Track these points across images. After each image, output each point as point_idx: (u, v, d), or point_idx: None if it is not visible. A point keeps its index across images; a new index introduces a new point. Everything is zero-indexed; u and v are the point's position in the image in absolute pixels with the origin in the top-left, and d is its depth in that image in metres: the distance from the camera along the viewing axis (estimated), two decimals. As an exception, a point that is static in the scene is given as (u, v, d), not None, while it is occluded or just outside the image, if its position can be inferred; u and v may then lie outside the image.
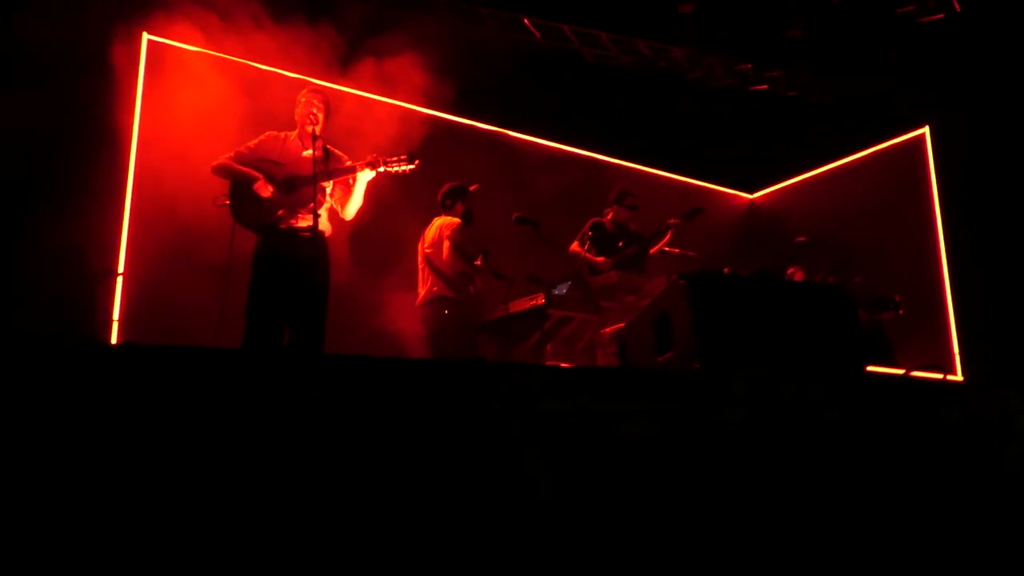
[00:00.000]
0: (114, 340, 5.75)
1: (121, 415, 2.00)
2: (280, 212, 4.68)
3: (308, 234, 4.62)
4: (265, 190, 4.67)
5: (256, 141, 4.86)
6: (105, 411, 1.99)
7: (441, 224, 5.98)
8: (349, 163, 4.87)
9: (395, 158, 4.77)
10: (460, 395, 2.29)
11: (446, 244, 5.83)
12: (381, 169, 4.76)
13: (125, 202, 6.10)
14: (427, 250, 5.94)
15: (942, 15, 7.58)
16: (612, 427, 2.35)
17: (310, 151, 4.76)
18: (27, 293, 5.25)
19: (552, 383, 2.46)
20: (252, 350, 4.40)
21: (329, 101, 4.98)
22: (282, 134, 4.92)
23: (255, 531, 1.91)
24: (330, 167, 4.82)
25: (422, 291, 5.93)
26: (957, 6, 7.50)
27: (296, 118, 4.92)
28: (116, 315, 5.85)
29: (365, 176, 4.80)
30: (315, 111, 4.80)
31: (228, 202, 4.75)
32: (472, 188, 6.12)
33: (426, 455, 2.13)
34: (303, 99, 4.91)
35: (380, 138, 5.95)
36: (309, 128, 4.77)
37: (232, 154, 4.78)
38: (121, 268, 5.96)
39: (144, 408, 2.03)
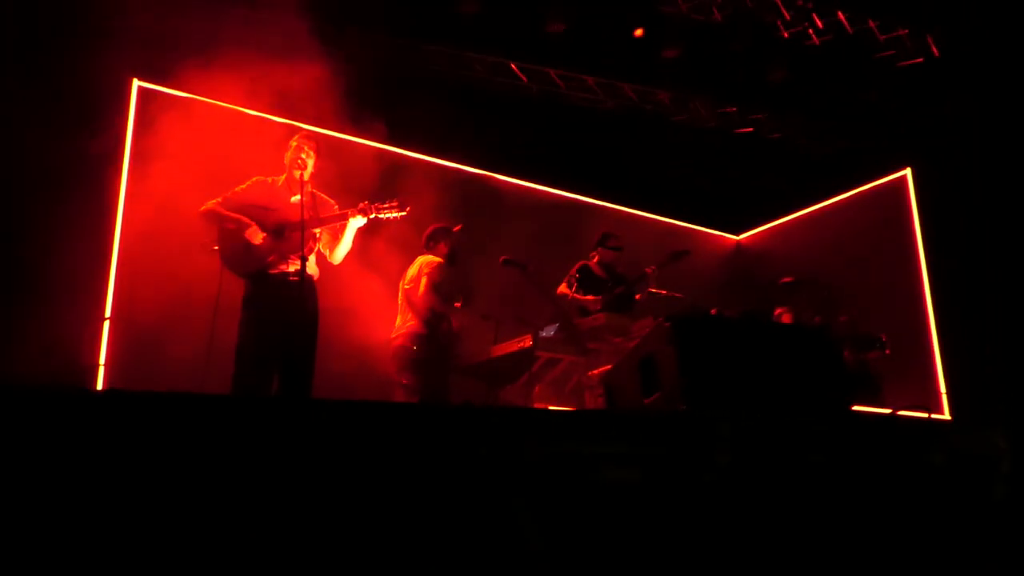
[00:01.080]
0: (100, 385, 5.71)
1: (105, 462, 1.99)
2: (270, 258, 4.69)
3: (296, 279, 4.64)
4: (256, 237, 4.68)
5: (244, 186, 4.86)
6: (89, 457, 1.98)
7: (422, 262, 6.00)
8: (337, 210, 4.90)
9: (386, 205, 4.79)
10: (447, 440, 2.29)
11: (423, 281, 5.84)
12: (372, 216, 4.78)
13: (113, 247, 6.10)
14: (406, 286, 5.97)
15: (921, 59, 7.73)
16: (599, 470, 2.35)
17: (299, 196, 4.77)
18: (13, 337, 5.22)
19: (539, 426, 2.46)
20: (240, 396, 4.38)
21: (319, 147, 5.02)
22: (269, 179, 4.93)
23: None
24: (319, 212, 4.83)
25: (396, 325, 5.94)
26: (936, 51, 7.65)
27: (285, 163, 4.94)
28: (103, 360, 5.82)
29: (356, 223, 4.81)
30: (303, 156, 4.82)
31: (217, 248, 4.75)
32: (456, 229, 6.15)
33: (414, 500, 2.12)
34: (293, 144, 4.93)
35: (369, 183, 5.99)
36: (296, 173, 4.79)
37: (220, 199, 4.79)
38: (108, 313, 5.94)
39: (129, 454, 2.02)
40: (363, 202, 4.79)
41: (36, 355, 5.15)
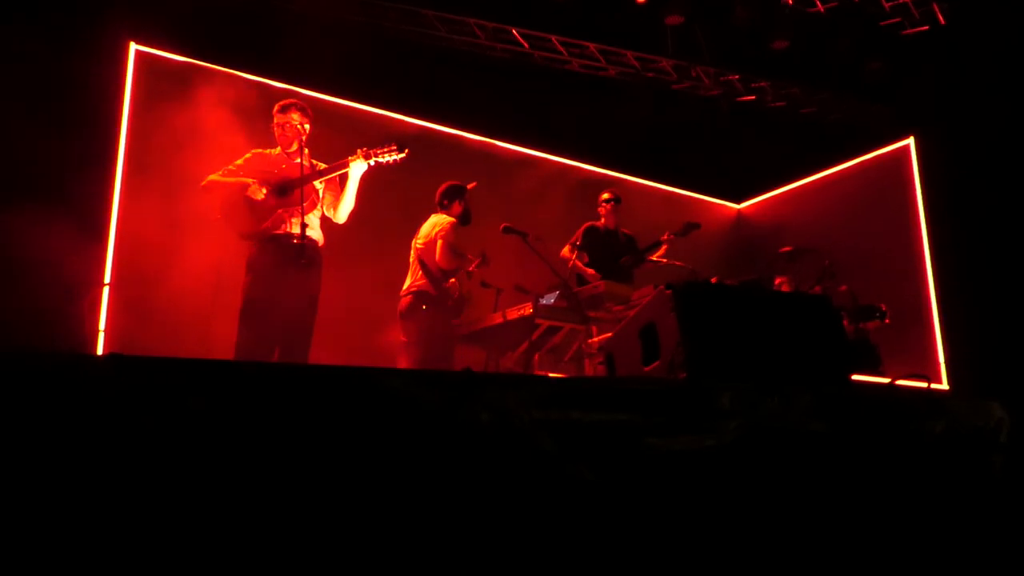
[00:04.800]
0: (100, 351, 5.72)
1: (106, 428, 1.99)
2: (272, 218, 4.69)
3: (299, 241, 4.64)
4: (259, 193, 4.67)
5: (241, 161, 4.87)
6: (90, 423, 1.98)
7: (435, 222, 5.97)
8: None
9: (385, 149, 4.77)
10: (447, 406, 2.29)
11: (439, 243, 5.82)
12: (372, 161, 4.76)
13: (111, 212, 6.07)
14: (419, 245, 5.95)
15: (927, 28, 7.66)
16: (600, 438, 2.35)
17: (299, 159, 4.79)
18: (11, 304, 5.22)
19: (540, 394, 2.46)
20: (238, 361, 4.40)
21: (313, 113, 5.01)
22: (266, 151, 4.93)
23: (238, 546, 1.90)
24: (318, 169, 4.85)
25: (407, 283, 5.93)
26: (942, 19, 7.57)
27: (276, 135, 4.92)
28: (102, 326, 5.83)
29: (358, 169, 4.78)
30: (298, 129, 4.82)
31: (220, 215, 4.77)
32: (470, 187, 6.12)
33: (412, 468, 2.12)
34: (278, 119, 4.91)
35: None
36: (295, 146, 4.81)
37: (219, 172, 4.80)
38: (107, 279, 5.93)
39: (130, 421, 2.02)
40: (361, 148, 4.77)
41: (34, 322, 5.15)
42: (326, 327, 4.88)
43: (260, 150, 4.92)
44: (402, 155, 4.77)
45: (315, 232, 4.75)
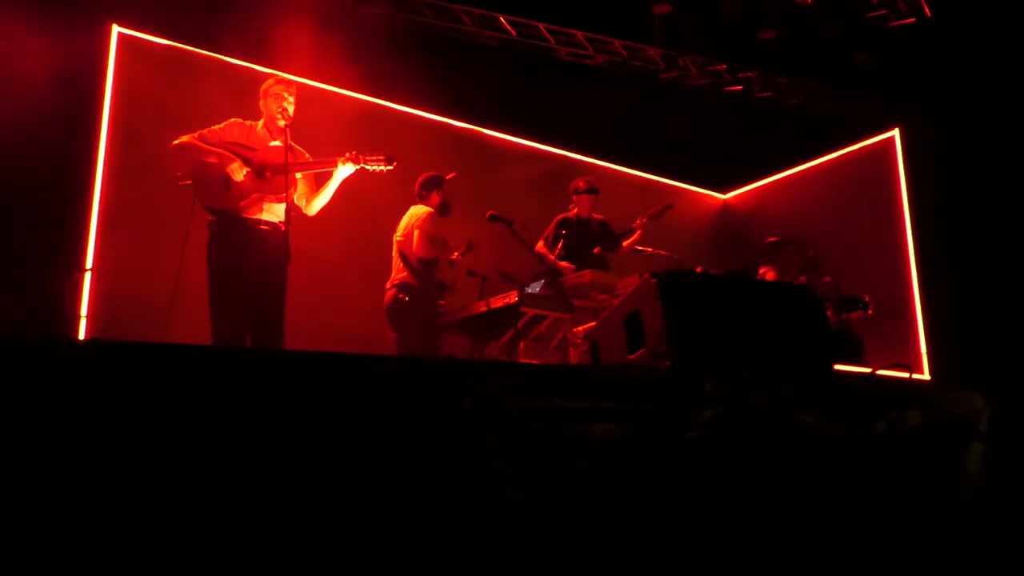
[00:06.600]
0: (82, 336, 5.68)
1: (88, 413, 1.97)
2: (248, 199, 4.63)
3: (268, 227, 4.61)
4: (239, 173, 4.61)
5: (221, 126, 4.77)
6: (72, 409, 1.97)
7: (412, 213, 5.98)
8: (310, 158, 4.86)
9: (374, 157, 4.76)
10: (431, 394, 2.29)
11: (416, 233, 5.83)
12: (360, 165, 4.75)
13: (94, 197, 6.02)
14: (398, 238, 5.95)
15: (913, 19, 7.69)
16: (584, 426, 2.35)
17: (278, 142, 4.72)
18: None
19: (524, 381, 2.46)
20: (219, 347, 4.37)
21: (300, 96, 4.96)
22: (247, 122, 4.86)
23: (216, 536, 1.89)
24: (297, 159, 4.79)
25: (390, 277, 5.95)
26: (928, 11, 7.60)
27: (262, 108, 4.87)
28: (84, 311, 5.78)
29: (345, 171, 4.77)
30: (285, 105, 4.76)
31: (190, 182, 4.69)
32: (448, 177, 6.11)
33: (394, 457, 2.12)
34: (273, 90, 4.85)
35: (355, 136, 5.93)
36: (280, 122, 4.74)
37: (196, 135, 4.70)
38: (89, 264, 5.88)
39: (112, 406, 2.01)
40: (351, 151, 4.75)
41: (16, 307, 5.10)
42: (302, 315, 4.85)
43: (239, 120, 4.84)
44: (389, 167, 4.77)
45: (284, 217, 4.70)
